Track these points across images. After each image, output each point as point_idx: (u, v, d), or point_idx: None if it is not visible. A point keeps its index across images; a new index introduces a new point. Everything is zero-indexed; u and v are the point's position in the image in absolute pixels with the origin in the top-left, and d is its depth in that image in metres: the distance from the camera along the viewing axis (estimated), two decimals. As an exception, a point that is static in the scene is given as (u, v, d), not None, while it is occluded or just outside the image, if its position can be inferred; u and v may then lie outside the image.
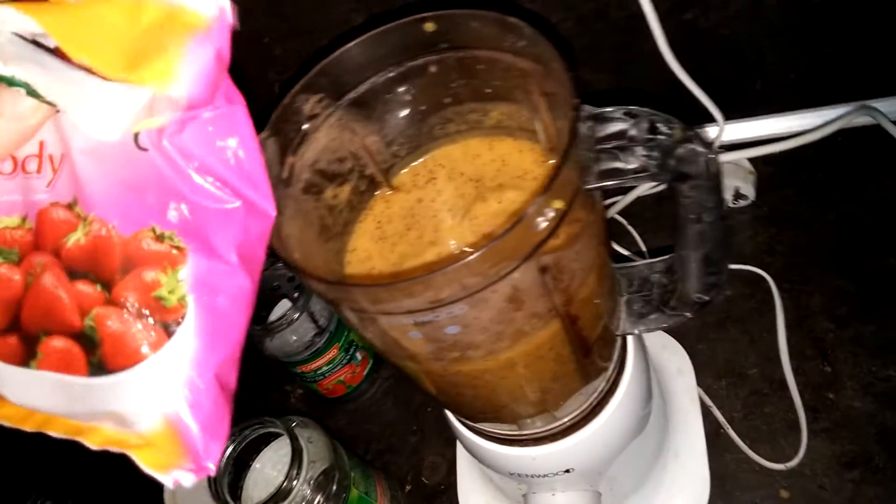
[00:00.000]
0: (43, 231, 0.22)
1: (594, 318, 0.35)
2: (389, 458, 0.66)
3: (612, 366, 0.42)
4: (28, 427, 0.24)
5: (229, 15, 0.22)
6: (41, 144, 0.23)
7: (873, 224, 0.63)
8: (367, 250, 0.35)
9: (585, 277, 0.32)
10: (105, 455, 0.76)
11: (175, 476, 0.22)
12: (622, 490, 0.51)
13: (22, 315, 0.22)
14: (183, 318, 0.22)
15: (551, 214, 0.27)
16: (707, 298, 0.37)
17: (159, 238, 0.22)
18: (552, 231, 0.27)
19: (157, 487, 0.66)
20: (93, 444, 0.23)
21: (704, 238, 0.32)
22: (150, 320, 0.22)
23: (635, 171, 0.29)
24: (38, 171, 0.22)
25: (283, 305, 0.64)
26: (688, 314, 0.38)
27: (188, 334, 0.22)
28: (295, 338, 0.59)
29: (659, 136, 0.29)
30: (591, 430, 0.42)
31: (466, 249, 0.33)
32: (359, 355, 0.66)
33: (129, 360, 0.22)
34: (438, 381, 0.36)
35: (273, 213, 0.25)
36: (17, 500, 0.68)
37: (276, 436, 0.56)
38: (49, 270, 0.22)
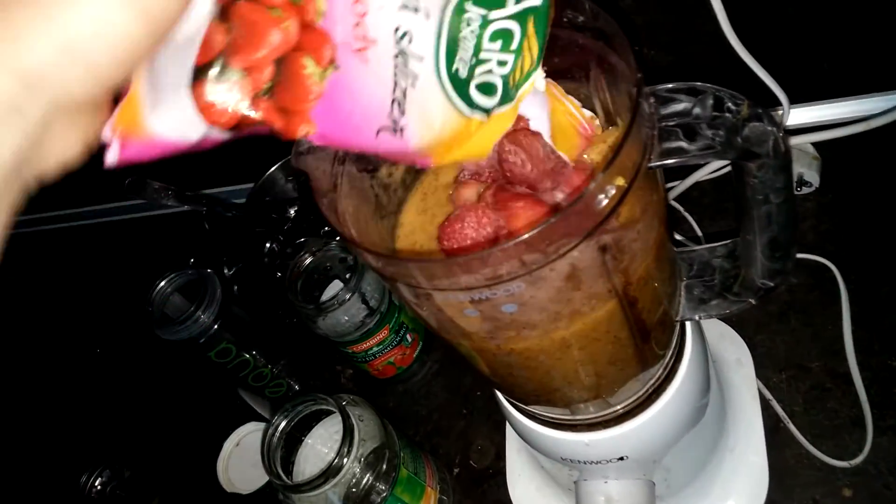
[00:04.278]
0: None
1: (653, 301, 0.34)
2: (438, 440, 0.66)
3: (669, 353, 0.41)
4: None
5: None
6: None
7: (946, 213, 0.60)
8: (411, 224, 0.35)
9: (645, 258, 0.31)
10: (160, 427, 0.78)
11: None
12: (677, 481, 0.50)
13: None
14: None
15: (612, 192, 0.26)
16: (772, 284, 0.36)
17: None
18: (613, 209, 0.26)
19: (211, 459, 0.68)
20: None
21: (771, 220, 0.31)
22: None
23: (700, 149, 0.28)
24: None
25: (336, 286, 0.65)
26: (751, 300, 0.37)
27: None
28: (346, 318, 0.60)
29: (725, 114, 0.28)
30: (647, 417, 0.41)
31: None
32: (409, 337, 0.66)
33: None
34: (492, 361, 0.35)
35: None
36: (76, 471, 0.71)
37: (328, 413, 0.56)
38: None
